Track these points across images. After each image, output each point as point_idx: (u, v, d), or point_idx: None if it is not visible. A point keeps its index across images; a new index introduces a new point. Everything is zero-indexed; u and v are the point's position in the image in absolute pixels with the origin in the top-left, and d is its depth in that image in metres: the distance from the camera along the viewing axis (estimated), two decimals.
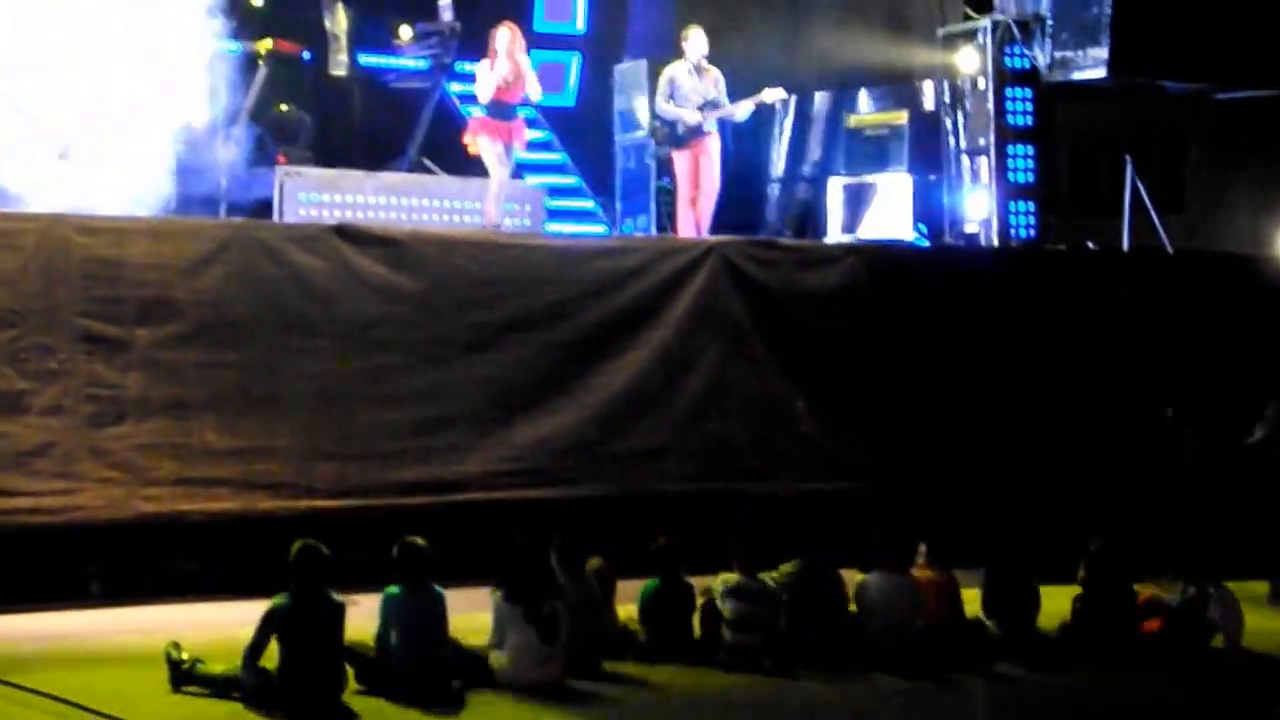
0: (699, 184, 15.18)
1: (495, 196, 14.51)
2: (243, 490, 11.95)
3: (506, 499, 12.65)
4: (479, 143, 14.53)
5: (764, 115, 16.05)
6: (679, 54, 15.44)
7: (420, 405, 12.63)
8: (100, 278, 11.81)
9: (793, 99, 17.60)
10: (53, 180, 12.62)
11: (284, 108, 15.49)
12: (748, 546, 10.43)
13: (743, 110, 15.39)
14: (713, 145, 15.23)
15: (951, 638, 10.38)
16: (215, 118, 13.93)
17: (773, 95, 15.54)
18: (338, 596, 9.08)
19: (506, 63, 14.48)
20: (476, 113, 14.98)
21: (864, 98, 18.08)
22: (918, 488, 13.63)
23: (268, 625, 8.92)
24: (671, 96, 15.19)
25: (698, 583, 10.46)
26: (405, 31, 17.32)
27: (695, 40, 15.19)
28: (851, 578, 10.46)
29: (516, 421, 12.90)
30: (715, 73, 15.27)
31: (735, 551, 10.40)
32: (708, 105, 15.14)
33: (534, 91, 14.73)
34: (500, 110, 14.57)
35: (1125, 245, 16.55)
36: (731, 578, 10.29)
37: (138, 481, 11.67)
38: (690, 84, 15.16)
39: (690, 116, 15.11)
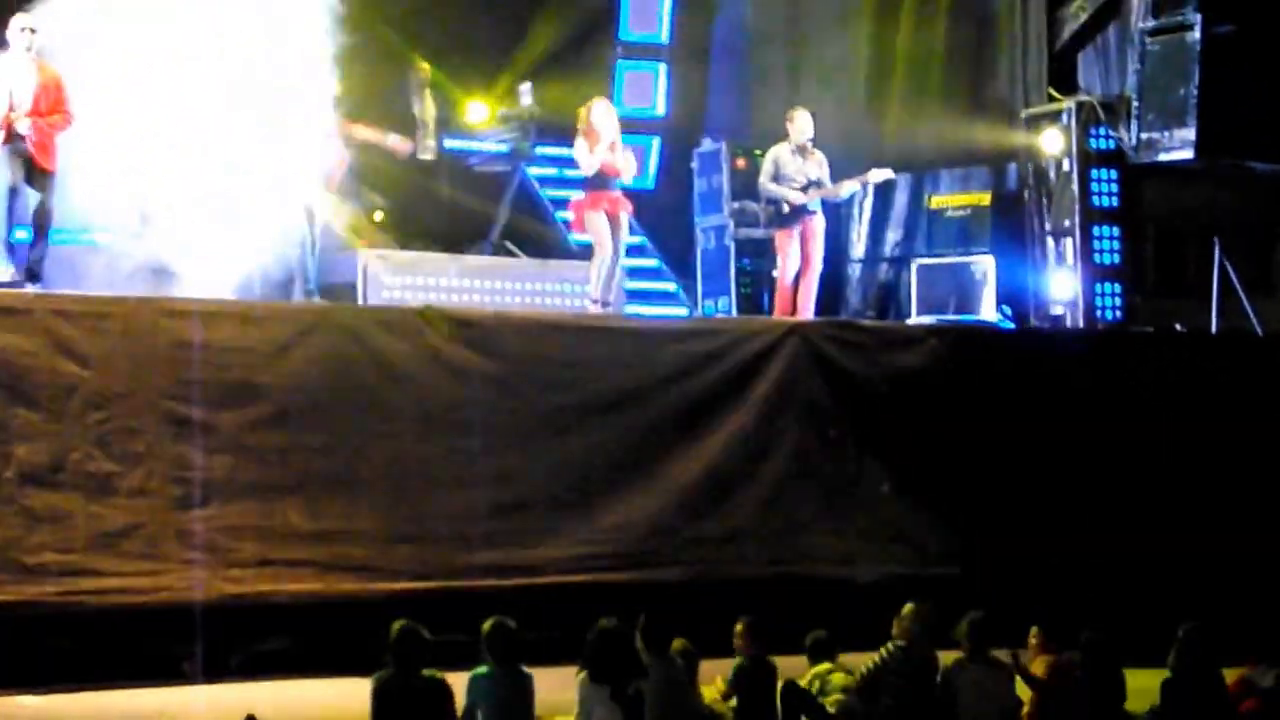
0: (807, 262, 15.15)
1: (599, 273, 14.33)
2: (325, 572, 11.95)
3: (586, 582, 12.60)
4: (587, 221, 14.40)
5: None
6: (763, 136, 15.47)
7: (501, 488, 12.62)
8: (186, 361, 11.89)
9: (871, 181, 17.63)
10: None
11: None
12: (819, 639, 10.39)
13: (846, 189, 15.45)
14: (818, 225, 15.18)
15: None
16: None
17: (879, 175, 15.59)
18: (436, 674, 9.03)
19: (611, 131, 14.42)
20: (576, 195, 14.83)
21: (946, 179, 18.06)
22: (1001, 572, 13.47)
23: (381, 702, 8.82)
24: (776, 177, 15.20)
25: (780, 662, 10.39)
26: (484, 113, 17.46)
27: (800, 122, 15.21)
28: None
29: (596, 505, 12.88)
30: (819, 155, 15.26)
31: (811, 647, 10.38)
32: (811, 185, 15.15)
33: (628, 169, 14.61)
34: (605, 182, 14.40)
35: (1214, 328, 16.40)
36: (819, 670, 10.27)
37: (221, 563, 11.69)
38: (794, 165, 15.14)
39: (794, 196, 15.07)
